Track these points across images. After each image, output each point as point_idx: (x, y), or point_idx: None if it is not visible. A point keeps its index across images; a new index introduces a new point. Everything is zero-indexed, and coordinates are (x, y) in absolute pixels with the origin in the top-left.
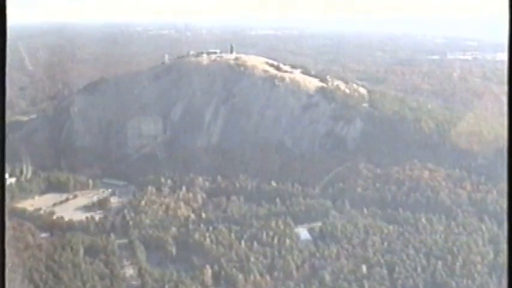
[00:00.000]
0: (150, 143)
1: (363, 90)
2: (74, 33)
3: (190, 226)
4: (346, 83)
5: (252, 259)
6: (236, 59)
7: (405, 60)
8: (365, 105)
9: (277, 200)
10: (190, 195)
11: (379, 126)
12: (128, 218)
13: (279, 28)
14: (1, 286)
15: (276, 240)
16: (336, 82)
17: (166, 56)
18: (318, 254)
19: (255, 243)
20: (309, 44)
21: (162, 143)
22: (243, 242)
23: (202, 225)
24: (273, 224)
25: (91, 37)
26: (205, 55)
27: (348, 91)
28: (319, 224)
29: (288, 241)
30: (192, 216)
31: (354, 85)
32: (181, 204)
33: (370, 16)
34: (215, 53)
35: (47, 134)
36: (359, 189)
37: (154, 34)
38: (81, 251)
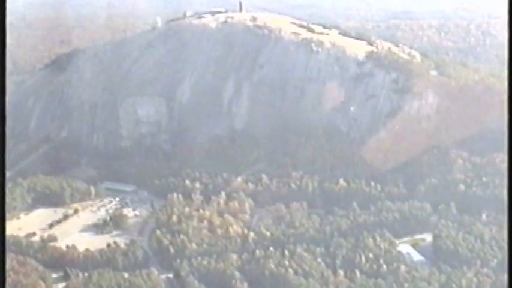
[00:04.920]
0: (152, 131)
1: (417, 54)
2: None
3: (257, 251)
4: (396, 44)
5: None
6: (254, 19)
7: (401, 13)
8: (433, 73)
9: (355, 205)
10: (235, 203)
11: (460, 100)
12: (165, 242)
13: None
14: (1, 286)
15: (383, 265)
16: (385, 44)
17: (159, 19)
18: (453, 285)
19: (357, 272)
20: None
21: (168, 130)
22: (340, 272)
23: (271, 248)
24: (369, 241)
25: None
26: (209, 15)
27: (404, 56)
28: (428, 237)
29: (402, 267)
30: (252, 234)
31: (406, 47)
32: (229, 217)
33: None
34: (220, 12)
35: (11, 123)
36: (461, 186)
37: None
38: None
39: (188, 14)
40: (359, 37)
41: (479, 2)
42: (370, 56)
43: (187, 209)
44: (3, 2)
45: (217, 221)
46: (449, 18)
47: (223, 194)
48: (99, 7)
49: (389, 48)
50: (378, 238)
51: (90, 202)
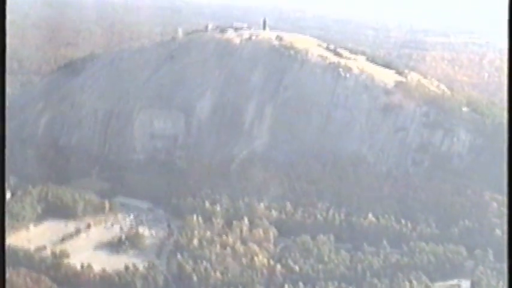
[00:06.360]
0: (167, 147)
1: (445, 88)
2: None
3: (286, 286)
4: (425, 76)
5: None
6: (279, 38)
7: (410, 42)
8: (465, 109)
9: (385, 242)
10: (260, 231)
11: (494, 141)
12: (187, 268)
13: None
14: (1, 286)
15: None
16: (414, 75)
17: (180, 30)
18: None
19: None
20: (276, 16)
21: (184, 147)
22: None
23: (301, 284)
24: (406, 284)
25: None
26: (231, 31)
27: (435, 89)
28: (464, 283)
29: None
30: (278, 267)
31: (434, 80)
32: (254, 246)
33: None
34: (242, 28)
35: (18, 125)
36: (497, 232)
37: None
38: None
39: (210, 27)
40: (387, 65)
41: (489, 37)
42: (399, 86)
43: (208, 234)
44: (3, 2)
45: (241, 249)
46: (460, 52)
47: (245, 220)
48: (103, 11)
49: (419, 79)
50: (414, 281)
51: (103, 217)
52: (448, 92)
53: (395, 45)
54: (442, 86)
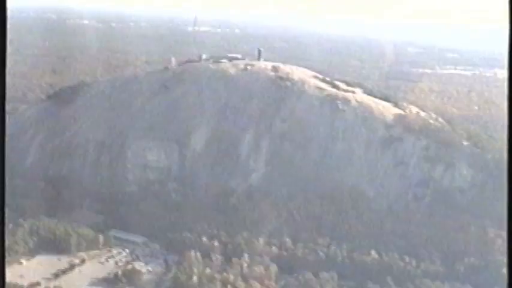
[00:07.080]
0: (160, 179)
1: (444, 121)
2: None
3: None
4: (422, 109)
5: None
6: (275, 69)
7: (396, 73)
8: (465, 143)
9: (389, 280)
10: (261, 268)
11: (496, 176)
12: None
13: (217, 25)
14: (1, 286)
15: None
16: (412, 108)
17: (173, 60)
18: None
19: None
20: (261, 45)
21: (178, 179)
22: None
23: None
24: None
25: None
26: (225, 61)
27: (434, 122)
28: None
29: None
30: None
31: (432, 114)
32: (255, 283)
33: (323, 16)
34: (237, 58)
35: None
36: (503, 270)
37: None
38: None
39: (203, 57)
40: (385, 97)
41: (473, 67)
42: (398, 119)
43: (208, 270)
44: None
45: (242, 286)
46: (448, 84)
47: (246, 256)
48: (88, 39)
49: (417, 112)
50: None
51: (97, 252)
52: (447, 126)
53: (381, 76)
54: (440, 119)
